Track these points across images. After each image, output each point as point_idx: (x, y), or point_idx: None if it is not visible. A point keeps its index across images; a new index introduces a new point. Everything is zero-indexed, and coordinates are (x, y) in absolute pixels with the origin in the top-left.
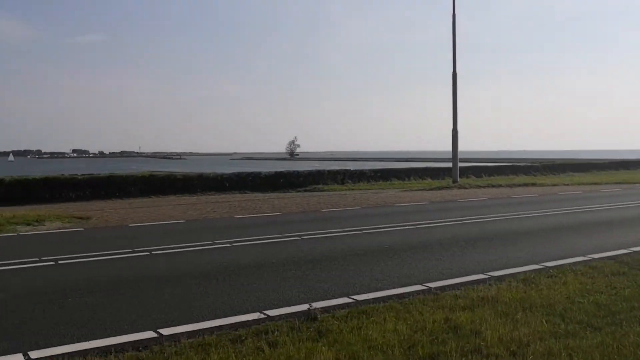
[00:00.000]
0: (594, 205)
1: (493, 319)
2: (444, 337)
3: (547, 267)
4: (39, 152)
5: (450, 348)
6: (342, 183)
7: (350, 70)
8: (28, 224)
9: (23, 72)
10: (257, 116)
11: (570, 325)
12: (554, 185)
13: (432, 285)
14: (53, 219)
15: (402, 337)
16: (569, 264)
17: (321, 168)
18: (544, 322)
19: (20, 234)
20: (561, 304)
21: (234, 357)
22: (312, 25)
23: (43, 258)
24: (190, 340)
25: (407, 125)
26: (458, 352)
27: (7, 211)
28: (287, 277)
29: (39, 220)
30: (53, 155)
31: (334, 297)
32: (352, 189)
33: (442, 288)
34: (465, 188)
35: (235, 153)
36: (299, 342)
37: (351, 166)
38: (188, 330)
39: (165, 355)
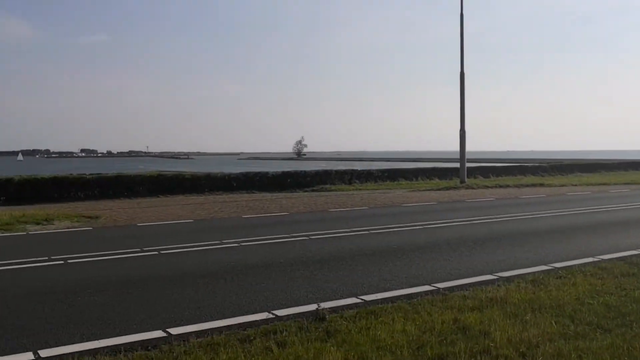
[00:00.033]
0: (602, 206)
1: (502, 319)
2: (452, 338)
3: (555, 268)
4: (47, 151)
5: (459, 349)
6: (350, 183)
7: (354, 70)
8: (37, 223)
9: (31, 73)
10: (263, 116)
11: (580, 327)
12: (562, 185)
13: (441, 285)
14: (62, 218)
15: (410, 338)
16: (578, 265)
17: (328, 168)
18: (554, 323)
19: (30, 233)
20: (570, 305)
21: (242, 357)
22: (315, 25)
23: (52, 257)
24: (199, 339)
25: (408, 125)
26: (467, 353)
27: (17, 210)
28: (295, 277)
29: (48, 220)
30: (61, 154)
31: (342, 297)
32: (360, 189)
33: (451, 288)
34: (473, 188)
35: (242, 153)
36: (308, 342)
37: (358, 166)
38: (197, 329)
39: (175, 354)
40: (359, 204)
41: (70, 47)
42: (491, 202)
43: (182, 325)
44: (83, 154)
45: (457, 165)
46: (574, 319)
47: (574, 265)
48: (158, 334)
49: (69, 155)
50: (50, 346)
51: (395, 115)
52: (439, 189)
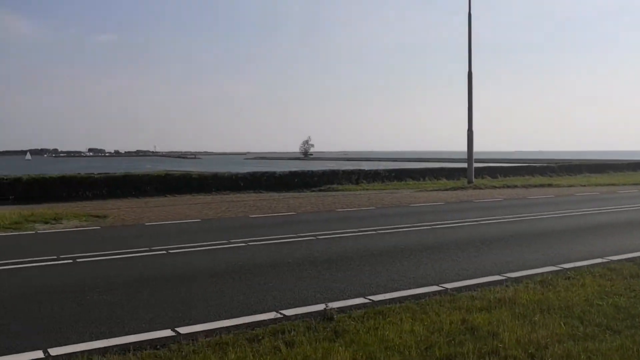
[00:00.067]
0: (611, 207)
1: (510, 320)
2: (461, 339)
3: (564, 268)
4: (55, 151)
5: (468, 349)
6: (357, 183)
7: (361, 69)
8: (46, 222)
9: (40, 72)
10: (270, 116)
11: (589, 328)
12: (571, 186)
13: (449, 286)
14: (70, 218)
15: (418, 338)
16: (587, 266)
17: (335, 168)
18: (562, 324)
19: (39, 232)
20: (579, 307)
21: (251, 357)
22: (324, 25)
23: (61, 256)
24: (207, 339)
25: (415, 126)
26: (475, 353)
27: (26, 209)
28: (303, 277)
29: (57, 219)
30: (69, 154)
31: (350, 297)
32: (367, 189)
33: (459, 289)
34: (481, 189)
35: (249, 153)
36: (316, 342)
37: (365, 166)
38: (205, 329)
39: (183, 353)
40: (366, 204)
41: (79, 47)
42: (499, 202)
43: (191, 324)
44: (91, 154)
45: (465, 165)
46: (583, 320)
47: (583, 266)
48: (167, 333)
49: (77, 154)
50: (60, 345)
51: (403, 115)
52: (447, 189)
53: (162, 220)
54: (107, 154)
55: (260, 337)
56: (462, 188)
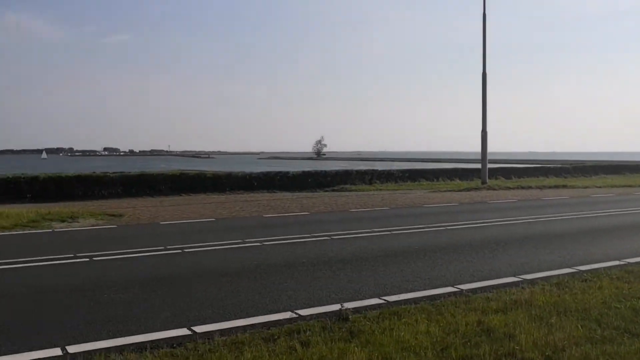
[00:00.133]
0: (627, 209)
1: (527, 322)
2: (477, 340)
3: (580, 270)
4: (71, 149)
5: (484, 351)
6: (370, 183)
7: (375, 70)
8: (63, 221)
9: (56, 73)
10: (284, 116)
11: (607, 331)
12: (586, 187)
13: (464, 287)
14: (87, 216)
15: (434, 339)
16: (604, 268)
17: (349, 168)
18: (580, 327)
19: (56, 230)
20: (597, 309)
21: (267, 356)
22: (337, 26)
23: (78, 254)
24: (223, 338)
25: (429, 126)
26: (492, 355)
27: (43, 207)
28: (317, 277)
29: (73, 217)
30: (85, 153)
31: (365, 297)
32: (380, 189)
33: (474, 290)
34: (495, 189)
35: (262, 152)
36: (332, 342)
37: (379, 166)
38: (221, 328)
39: (200, 352)
40: (380, 204)
41: (93, 48)
42: (513, 203)
43: (207, 323)
44: (106, 153)
45: (479, 166)
46: (601, 322)
47: (600, 268)
48: (183, 331)
49: (92, 153)
50: (78, 342)
51: (417, 116)
52: (460, 190)
53: (177, 219)
54: (121, 153)
55: (276, 337)
56: (476, 189)
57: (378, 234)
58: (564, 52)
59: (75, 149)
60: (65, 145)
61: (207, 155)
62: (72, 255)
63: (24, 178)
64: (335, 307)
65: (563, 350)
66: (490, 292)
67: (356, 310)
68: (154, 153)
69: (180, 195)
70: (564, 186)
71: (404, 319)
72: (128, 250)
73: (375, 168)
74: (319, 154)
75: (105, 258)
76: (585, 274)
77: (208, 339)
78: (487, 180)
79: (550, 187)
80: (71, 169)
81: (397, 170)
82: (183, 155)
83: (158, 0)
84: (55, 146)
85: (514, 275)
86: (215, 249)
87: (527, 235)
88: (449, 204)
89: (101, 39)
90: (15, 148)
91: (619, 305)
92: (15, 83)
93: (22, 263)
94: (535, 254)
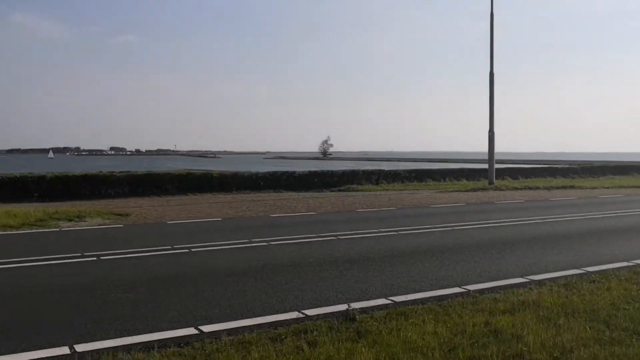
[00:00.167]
0: (635, 210)
1: (535, 323)
2: (484, 341)
3: (588, 271)
4: (77, 149)
5: (492, 352)
6: (377, 183)
7: (380, 70)
8: (70, 220)
9: (62, 72)
10: (290, 116)
11: (616, 332)
12: (594, 188)
13: (471, 287)
14: (94, 215)
15: (442, 340)
16: (612, 269)
17: (355, 168)
18: (588, 328)
19: (63, 229)
20: (605, 310)
21: (274, 356)
22: (345, 25)
23: (85, 253)
24: (230, 337)
25: (435, 126)
26: (499, 356)
27: (50, 207)
28: (324, 277)
29: (80, 217)
30: (91, 152)
31: (372, 297)
32: (387, 190)
33: (481, 291)
34: (502, 190)
35: (268, 152)
36: (339, 342)
37: (385, 166)
38: (228, 327)
39: (207, 351)
40: (387, 204)
41: (99, 48)
42: (521, 204)
43: (214, 322)
44: (112, 152)
45: (486, 166)
46: (609, 324)
47: (608, 269)
48: (190, 331)
49: (99, 153)
50: (86, 341)
51: (423, 116)
52: (467, 190)
53: (184, 218)
54: (128, 153)
55: (283, 337)
56: (483, 189)
57: (385, 234)
58: (571, 52)
59: (82, 149)
60: (72, 144)
61: (213, 155)
62: (79, 255)
63: (31, 177)
64: (342, 307)
65: (571, 351)
66: (497, 292)
67: (363, 310)
68: (160, 153)
69: (187, 195)
70: (572, 187)
71: (411, 320)
72: (135, 250)
73: (381, 168)
74: (325, 154)
75: (112, 257)
76: (593, 275)
77: (215, 338)
78: (494, 180)
79: (557, 188)
80: (78, 168)
81: (404, 171)
82: (189, 155)
83: (164, 0)
84: (62, 145)
85: (522, 276)
86: (222, 249)
87: (535, 236)
88: (456, 205)
89: (107, 39)
90: (22, 147)
91: (627, 307)
92: (21, 83)
93: (30, 262)
94: (542, 254)
